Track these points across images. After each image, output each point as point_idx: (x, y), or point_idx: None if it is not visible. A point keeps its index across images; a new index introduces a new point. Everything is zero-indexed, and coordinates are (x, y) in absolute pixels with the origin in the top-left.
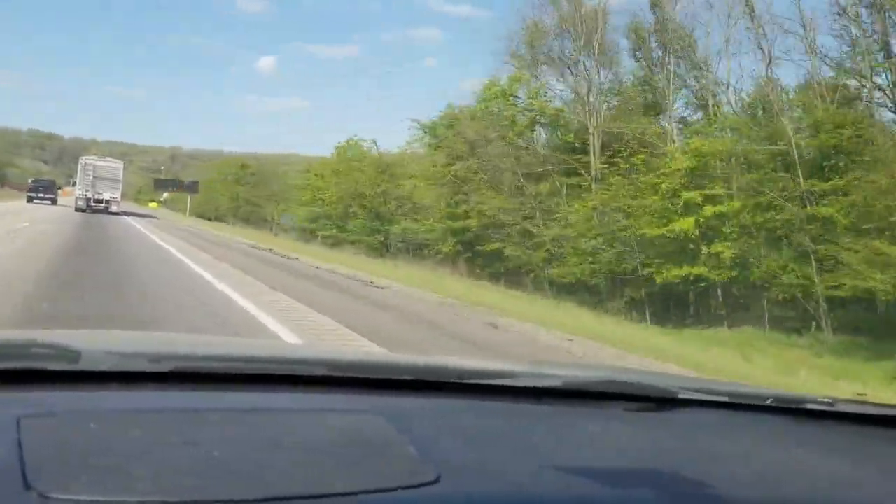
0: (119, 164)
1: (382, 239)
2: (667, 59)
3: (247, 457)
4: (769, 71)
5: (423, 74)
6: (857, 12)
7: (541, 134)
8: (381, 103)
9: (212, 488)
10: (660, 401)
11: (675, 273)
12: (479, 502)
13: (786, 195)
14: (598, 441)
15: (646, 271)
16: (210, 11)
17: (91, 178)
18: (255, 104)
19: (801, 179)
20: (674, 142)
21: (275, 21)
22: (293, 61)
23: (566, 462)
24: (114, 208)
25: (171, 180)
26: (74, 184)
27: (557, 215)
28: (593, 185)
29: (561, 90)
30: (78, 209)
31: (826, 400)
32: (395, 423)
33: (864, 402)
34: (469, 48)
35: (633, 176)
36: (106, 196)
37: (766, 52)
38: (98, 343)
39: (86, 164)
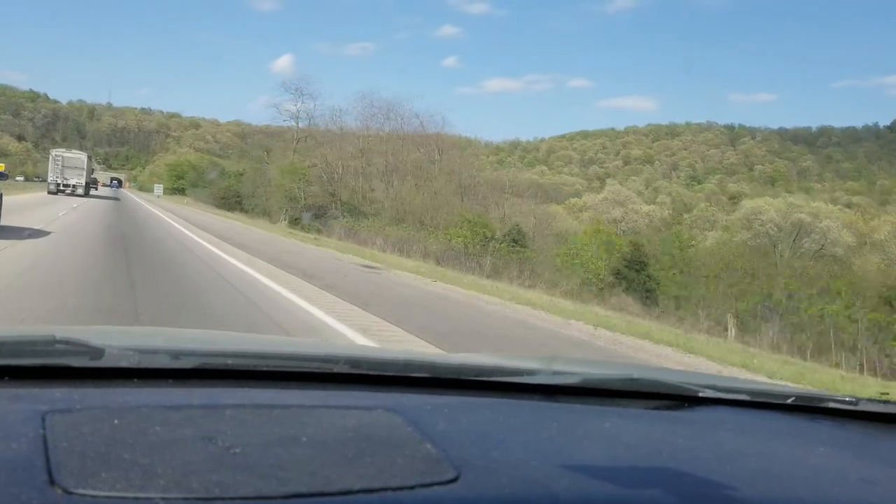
0: (83, 155)
1: None
2: None
3: (266, 453)
4: None
5: None
6: None
7: None
8: None
9: (232, 484)
10: (680, 399)
11: None
12: (498, 501)
13: None
14: (618, 439)
15: None
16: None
17: (60, 167)
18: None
19: None
20: None
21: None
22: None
23: (586, 461)
24: (79, 191)
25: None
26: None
27: None
28: None
29: None
30: (49, 192)
31: (849, 399)
32: (414, 420)
33: (887, 402)
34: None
35: None
36: (73, 182)
37: None
38: (119, 339)
39: (55, 156)
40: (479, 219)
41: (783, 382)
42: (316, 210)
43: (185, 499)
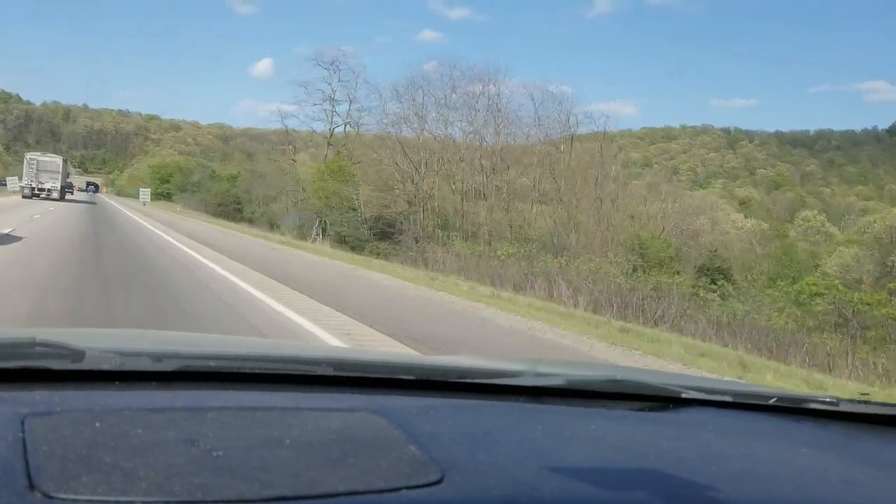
0: (59, 159)
1: None
2: None
3: (250, 456)
4: None
5: None
6: None
7: None
8: None
9: (215, 488)
10: (663, 400)
11: None
12: (484, 502)
13: None
14: (602, 441)
15: None
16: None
17: (35, 171)
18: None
19: None
20: None
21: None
22: None
23: (570, 462)
24: (54, 195)
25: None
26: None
27: None
28: None
29: None
30: (24, 196)
31: (829, 399)
32: (398, 422)
33: (867, 402)
34: None
35: None
36: (48, 185)
37: None
38: (101, 342)
39: (30, 159)
40: (661, 243)
41: None
42: (371, 224)
43: (167, 502)
